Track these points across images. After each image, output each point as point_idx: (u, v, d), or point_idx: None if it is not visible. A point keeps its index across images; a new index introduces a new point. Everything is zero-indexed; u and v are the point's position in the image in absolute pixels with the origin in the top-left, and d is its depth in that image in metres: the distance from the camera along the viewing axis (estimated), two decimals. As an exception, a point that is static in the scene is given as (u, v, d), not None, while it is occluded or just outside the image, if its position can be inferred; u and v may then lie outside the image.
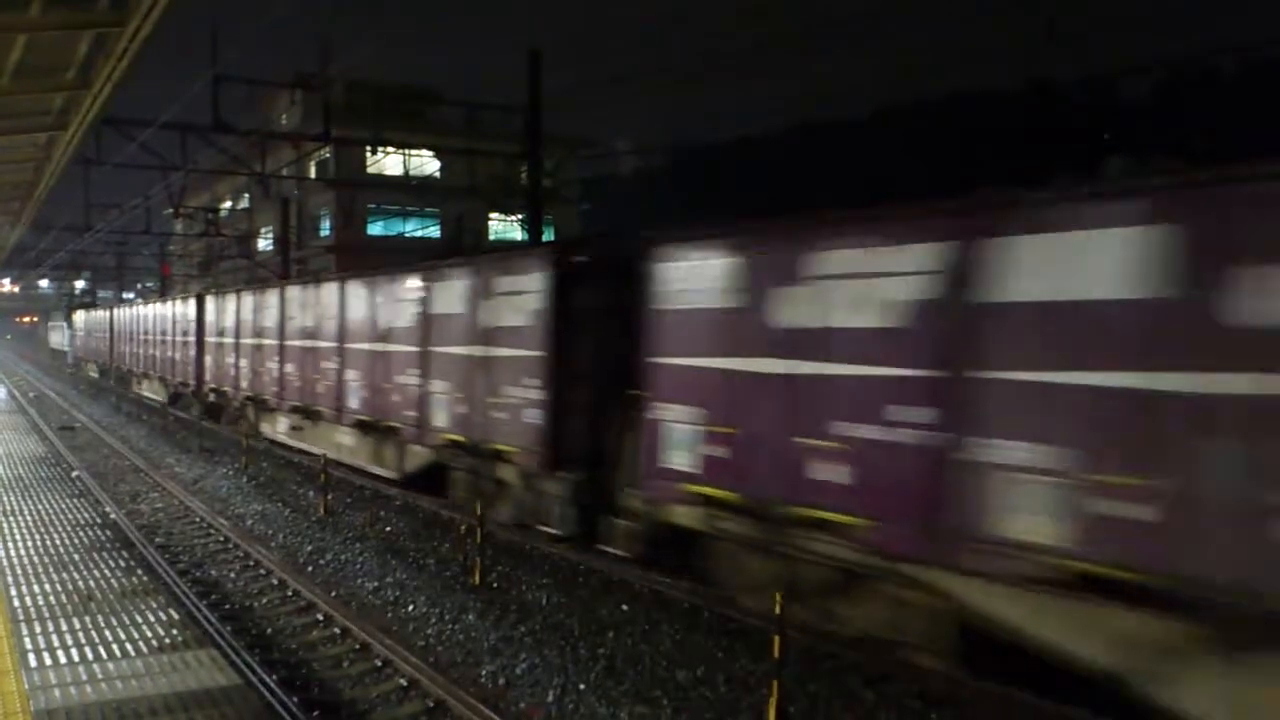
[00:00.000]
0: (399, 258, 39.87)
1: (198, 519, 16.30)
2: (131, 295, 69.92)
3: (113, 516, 15.86)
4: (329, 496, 16.69)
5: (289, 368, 22.10)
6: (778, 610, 8.02)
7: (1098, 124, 58.51)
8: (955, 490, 7.58)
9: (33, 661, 7.18)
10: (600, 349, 12.28)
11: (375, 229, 45.94)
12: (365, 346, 18.04)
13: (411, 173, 41.73)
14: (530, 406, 12.94)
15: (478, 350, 14.21)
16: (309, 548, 14.18)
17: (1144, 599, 6.43)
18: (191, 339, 30.71)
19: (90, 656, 7.32)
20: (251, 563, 13.40)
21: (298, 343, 21.64)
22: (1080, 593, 6.79)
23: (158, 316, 36.62)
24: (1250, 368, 5.89)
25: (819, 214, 9.18)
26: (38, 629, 7.91)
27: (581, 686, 8.75)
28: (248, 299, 25.80)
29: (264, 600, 11.77)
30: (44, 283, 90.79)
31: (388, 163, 42.63)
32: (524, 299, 13.20)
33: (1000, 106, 67.88)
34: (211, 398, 29.22)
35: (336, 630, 10.46)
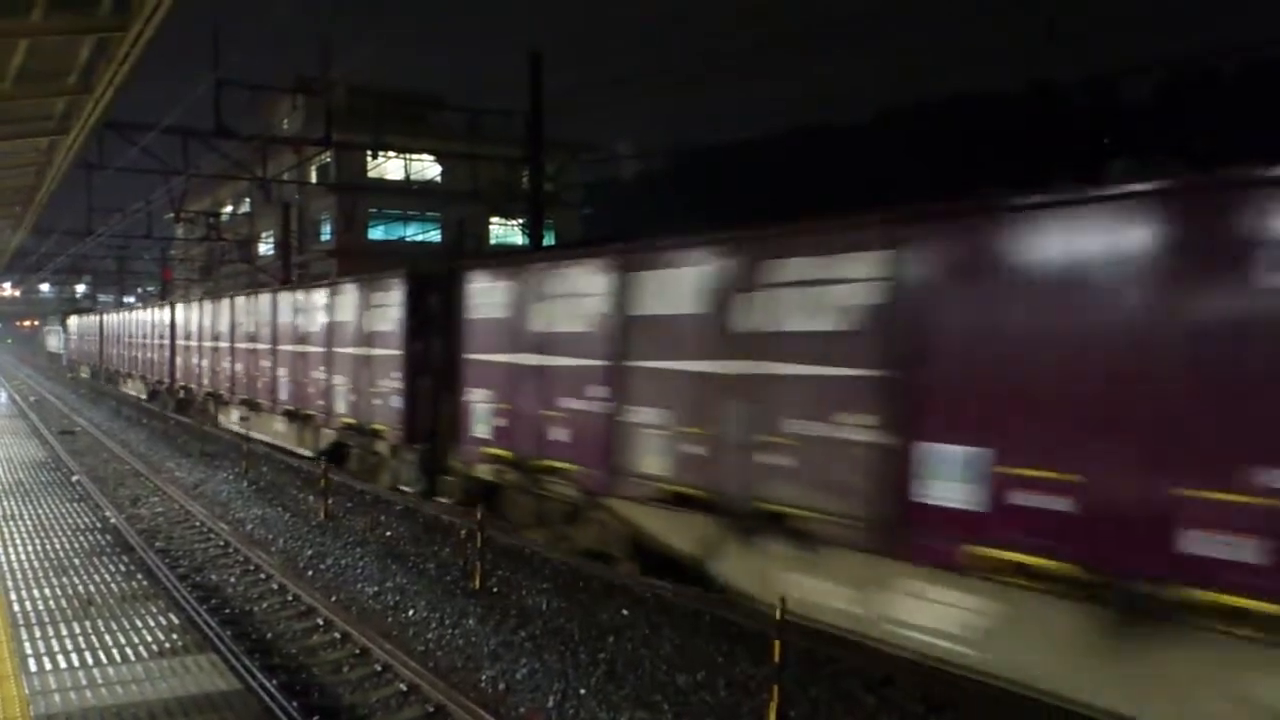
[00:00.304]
0: (400, 262, 39.93)
1: (198, 523, 16.29)
2: (132, 299, 69.96)
3: (113, 521, 15.85)
4: (329, 501, 16.69)
5: (238, 367, 25.45)
6: (779, 616, 8.02)
7: (1099, 125, 58.54)
8: (619, 442, 11.07)
9: (33, 666, 7.17)
10: (439, 348, 15.56)
11: (376, 233, 45.96)
12: (290, 348, 21.48)
13: (413, 177, 41.75)
14: (394, 394, 16.51)
15: (362, 350, 17.83)
16: (309, 552, 14.17)
17: (705, 507, 9.95)
18: (165, 342, 34.27)
19: (90, 661, 7.32)
20: (252, 567, 13.39)
21: (243, 345, 24.99)
22: (677, 506, 10.32)
23: (139, 322, 40.05)
24: (740, 357, 9.47)
25: (555, 251, 13.61)
26: (38, 634, 7.91)
27: (582, 691, 8.75)
28: (207, 307, 28.92)
29: (264, 605, 11.76)
30: (45, 287, 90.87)
31: (389, 167, 42.66)
32: (389, 310, 16.79)
33: (1001, 108, 67.94)
34: (181, 394, 32.53)
35: (337, 635, 10.46)
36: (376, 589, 12.16)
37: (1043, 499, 6.99)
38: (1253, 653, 6.00)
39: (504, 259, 14.15)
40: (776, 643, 7.96)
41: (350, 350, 18.30)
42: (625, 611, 11.05)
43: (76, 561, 10.52)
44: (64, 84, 10.87)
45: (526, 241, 23.75)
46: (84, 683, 6.89)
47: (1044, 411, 6.98)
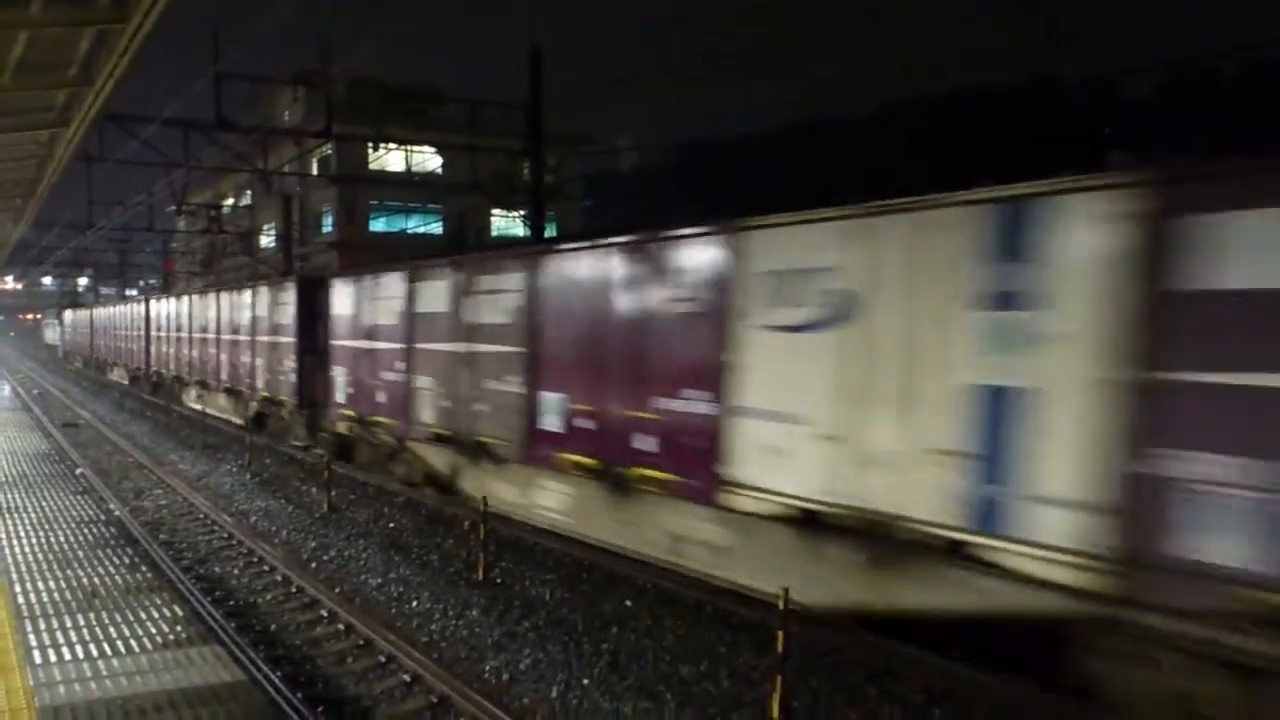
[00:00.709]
0: (400, 254, 39.92)
1: (201, 515, 16.32)
2: (134, 292, 69.93)
3: (116, 513, 15.87)
4: (332, 493, 16.71)
5: (194, 354, 30.84)
6: (782, 606, 8.03)
7: (1099, 123, 58.45)
8: (411, 402, 15.70)
9: (38, 658, 7.19)
10: (323, 335, 19.79)
11: (377, 225, 45.90)
12: (228, 337, 26.55)
13: (414, 169, 41.71)
14: (291, 372, 21.51)
15: (271, 338, 22.80)
16: (312, 544, 14.20)
17: (452, 442, 14.56)
18: (142, 333, 39.32)
19: (95, 653, 7.34)
20: (255, 559, 13.41)
21: (197, 336, 30.27)
22: (440, 443, 14.94)
23: (122, 316, 45.43)
24: (465, 340, 14.08)
25: (378, 266, 17.57)
26: (42, 626, 7.93)
27: (585, 682, 8.77)
28: (173, 303, 34.55)
29: (268, 597, 11.78)
30: (47, 280, 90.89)
31: (390, 159, 42.61)
32: (288, 307, 21.68)
33: (1001, 105, 67.82)
34: (154, 378, 37.88)
35: (340, 626, 10.48)
36: (380, 580, 12.18)
37: (584, 422, 11.71)
38: (660, 500, 10.70)
39: (350, 272, 19.05)
40: (780, 633, 7.97)
41: (264, 338, 23.44)
42: (628, 602, 11.07)
43: (81, 554, 10.54)
44: (64, 76, 10.85)
45: (528, 233, 23.71)
46: (89, 674, 6.91)
47: (582, 371, 11.73)
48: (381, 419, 16.90)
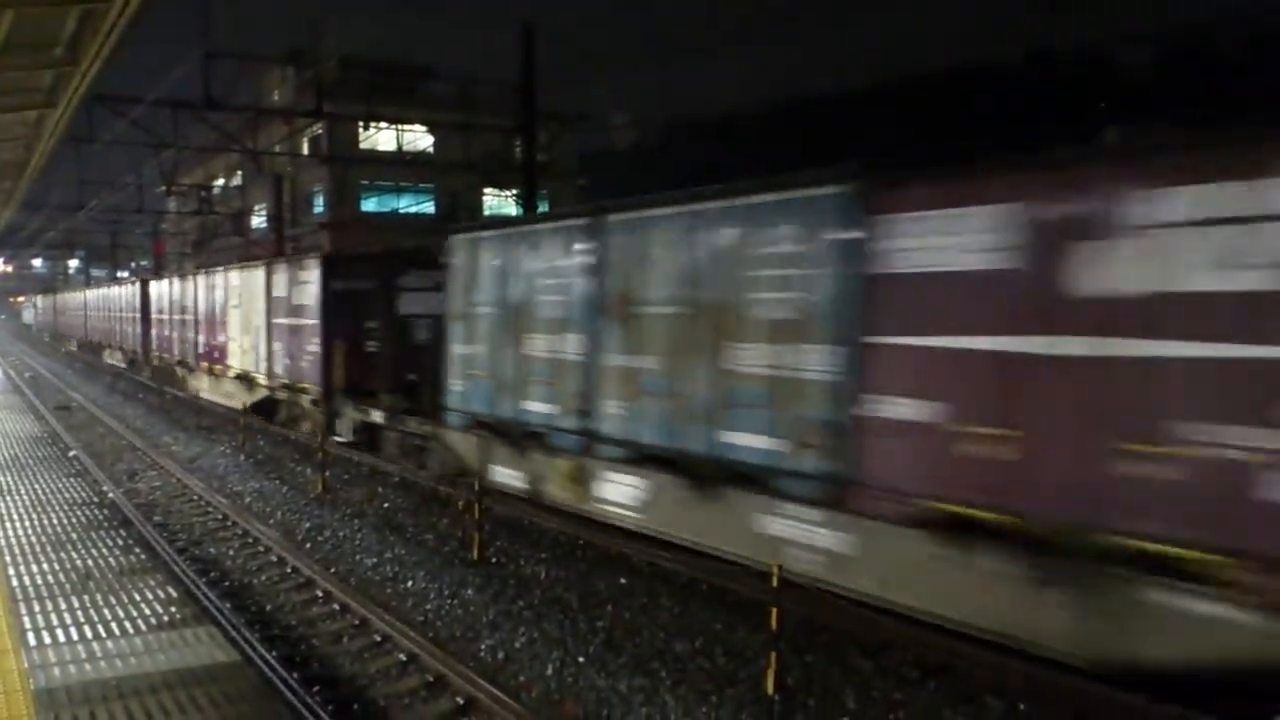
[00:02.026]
0: (392, 234, 39.76)
1: (196, 497, 16.31)
2: (125, 274, 69.78)
3: (110, 495, 15.86)
4: (327, 474, 16.70)
5: (170, 333, 33.39)
6: (775, 582, 8.05)
7: (1096, 93, 58.24)
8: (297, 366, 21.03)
9: (32, 640, 7.19)
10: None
11: (369, 205, 45.69)
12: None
13: (405, 148, 41.46)
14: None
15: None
16: (307, 524, 14.20)
17: (308, 392, 20.61)
18: (83, 313, 53.19)
19: (89, 635, 7.33)
20: (250, 540, 13.42)
21: (175, 318, 32.51)
22: (294, 393, 21.43)
23: (75, 299, 58.76)
24: (289, 315, 21.53)
25: (286, 258, 23.65)
26: (37, 608, 7.92)
27: (580, 659, 8.79)
28: (99, 290, 47.77)
29: (263, 577, 11.79)
30: (38, 262, 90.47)
31: (381, 138, 42.35)
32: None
33: (998, 77, 67.59)
34: (85, 343, 49.28)
35: (336, 606, 10.49)
36: (375, 560, 12.19)
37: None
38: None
39: (257, 260, 25.52)
40: (774, 610, 8.00)
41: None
42: (623, 580, 11.10)
43: (75, 536, 10.53)
44: (50, 56, 10.74)
45: (521, 211, 23.63)
46: (83, 656, 6.91)
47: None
48: (304, 384, 21.09)
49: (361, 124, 34.10)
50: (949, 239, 7.81)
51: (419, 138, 41.41)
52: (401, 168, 41.99)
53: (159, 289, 35.63)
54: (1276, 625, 6.18)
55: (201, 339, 28.85)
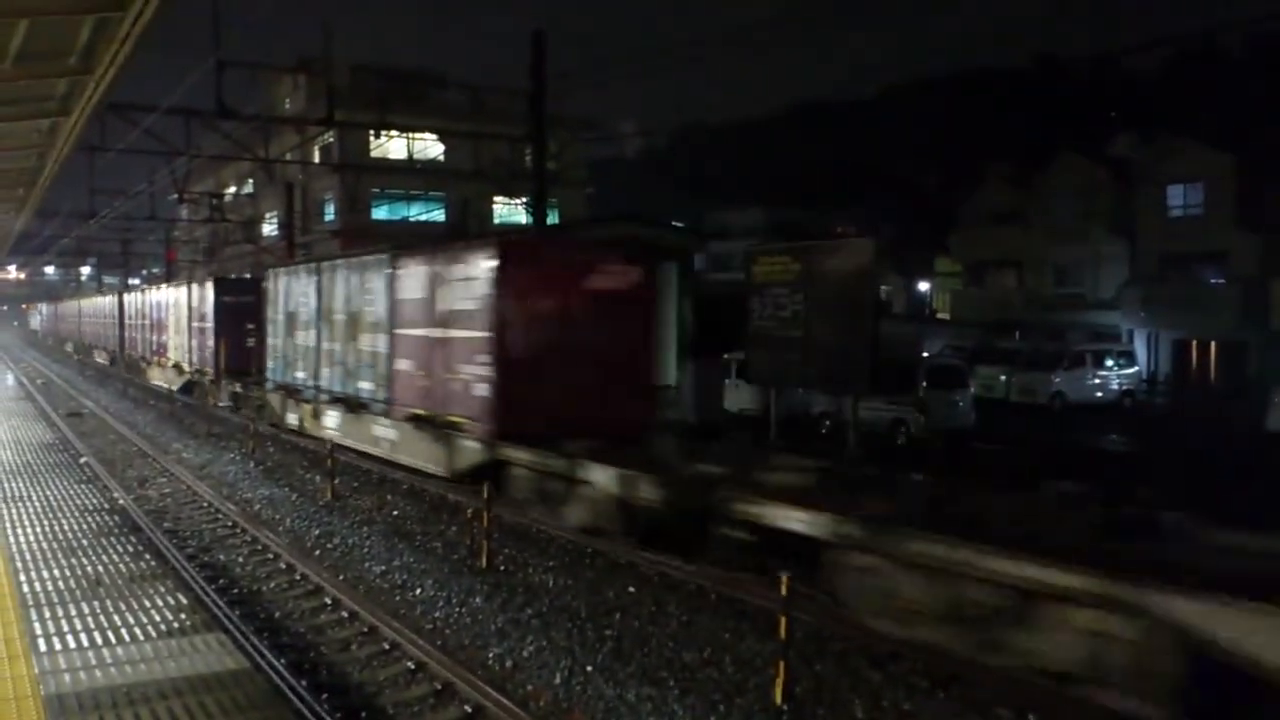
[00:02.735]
0: (403, 242, 39.81)
1: (205, 504, 16.35)
2: (137, 281, 70.27)
3: (121, 502, 15.91)
4: (336, 481, 16.72)
5: (135, 335, 42.12)
6: (784, 591, 8.03)
7: (1106, 101, 58.13)
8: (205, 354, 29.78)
9: (42, 646, 7.20)
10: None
11: (380, 213, 45.81)
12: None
13: (416, 156, 41.60)
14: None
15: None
16: (316, 532, 14.22)
17: (207, 374, 30.36)
18: (78, 318, 60.17)
19: (99, 641, 7.34)
20: (259, 547, 13.44)
21: (137, 319, 41.03)
22: (202, 375, 30.78)
23: (71, 306, 65.86)
24: (198, 321, 30.86)
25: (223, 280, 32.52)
26: (47, 614, 7.94)
27: (589, 668, 8.78)
28: (102, 298, 54.16)
29: (272, 584, 11.81)
30: (50, 269, 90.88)
31: (392, 147, 42.52)
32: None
33: (1008, 84, 67.50)
34: (104, 356, 50.76)
35: (345, 614, 10.50)
36: (384, 568, 12.20)
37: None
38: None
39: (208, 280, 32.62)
40: (783, 619, 7.98)
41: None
42: (631, 589, 11.08)
43: (85, 542, 10.55)
44: (65, 65, 10.78)
45: (531, 219, 23.66)
46: (93, 662, 6.91)
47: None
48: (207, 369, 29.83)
49: (372, 132, 34.25)
50: (413, 282, 16.65)
51: (430, 146, 41.55)
52: (412, 176, 42.13)
53: (130, 299, 43.92)
54: (485, 446, 14.36)
55: (153, 339, 37.96)
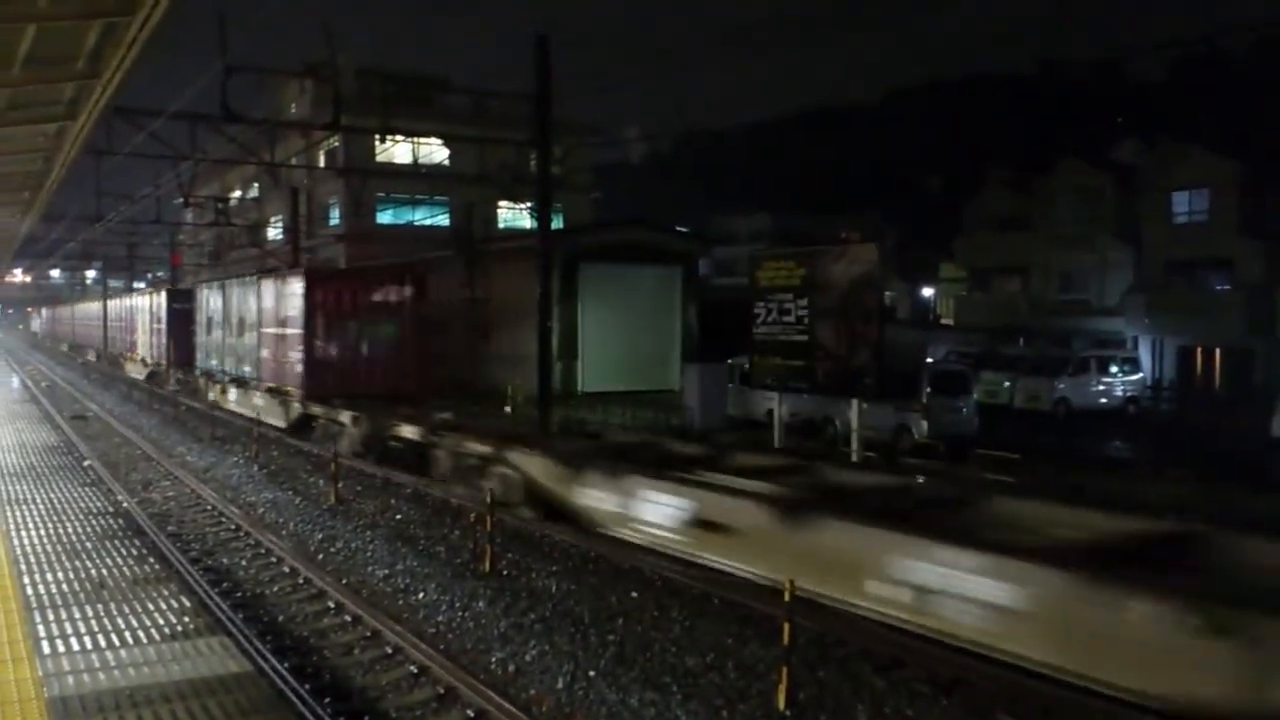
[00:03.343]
0: (407, 246, 39.87)
1: (209, 507, 16.37)
2: (141, 285, 70.75)
3: (124, 505, 15.93)
4: (339, 485, 16.74)
5: (116, 335, 49.81)
6: (788, 597, 8.03)
7: (1110, 106, 58.09)
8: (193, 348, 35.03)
9: (46, 649, 7.22)
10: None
11: (384, 217, 45.83)
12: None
13: (421, 161, 41.63)
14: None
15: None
16: (320, 536, 14.24)
17: (163, 366, 39.27)
18: (71, 321, 67.75)
19: (103, 644, 7.36)
20: (262, 551, 13.46)
21: (116, 321, 49.53)
22: (159, 366, 39.51)
23: (65, 311, 75.80)
24: (155, 323, 39.19)
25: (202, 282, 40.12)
26: (50, 617, 7.96)
27: (591, 673, 8.78)
28: (95, 304, 58.34)
29: (275, 588, 11.82)
30: (55, 273, 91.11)
31: (397, 151, 42.54)
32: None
33: (1013, 89, 67.51)
34: (102, 352, 54.68)
35: (348, 618, 10.51)
36: (387, 572, 12.21)
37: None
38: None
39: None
40: (786, 625, 7.97)
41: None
42: (634, 594, 11.08)
43: (89, 545, 10.57)
44: (72, 69, 10.83)
45: (536, 224, 23.65)
46: (96, 665, 6.93)
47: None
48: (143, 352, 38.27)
49: (377, 137, 34.27)
50: (268, 295, 24.33)
51: (435, 150, 41.58)
52: (417, 180, 42.14)
53: (112, 305, 51.94)
54: (301, 405, 22.64)
55: (127, 338, 45.93)
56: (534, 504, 13.89)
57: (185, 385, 35.17)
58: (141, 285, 70.17)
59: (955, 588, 7.99)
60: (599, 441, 15.70)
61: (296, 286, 22.94)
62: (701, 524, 10.57)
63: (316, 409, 22.06)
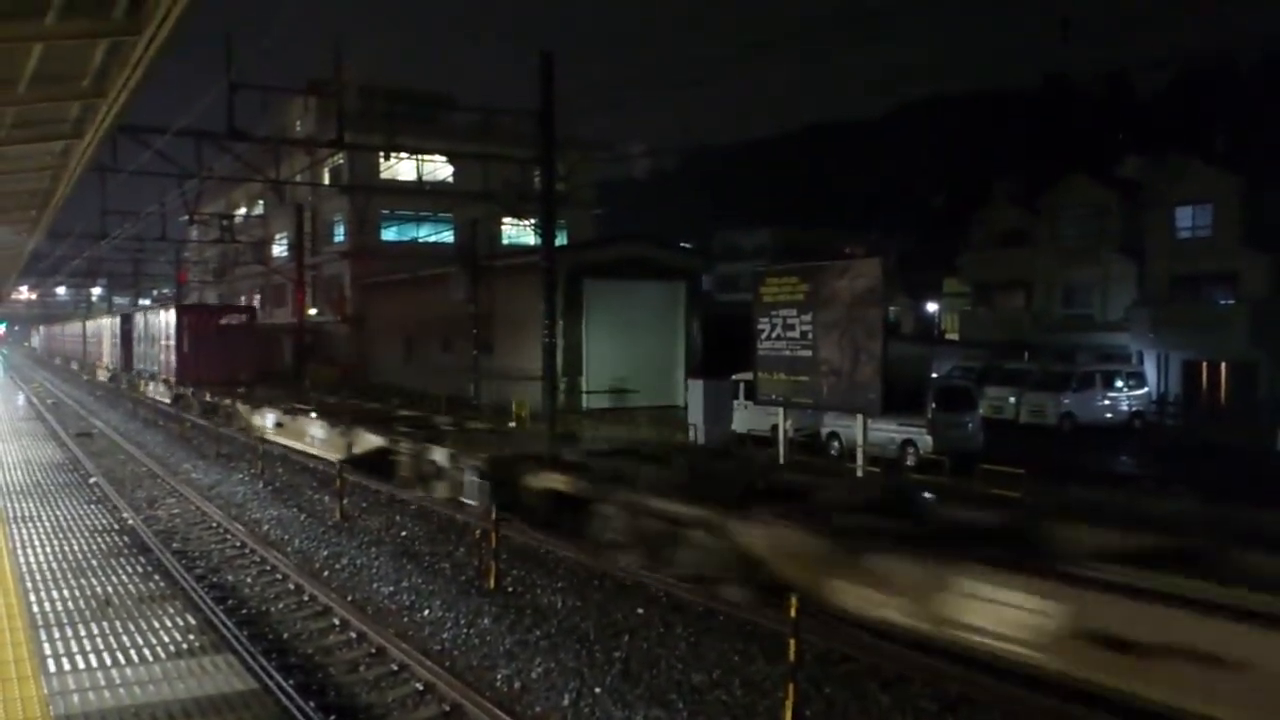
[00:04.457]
0: (412, 263, 39.89)
1: (214, 524, 16.36)
2: (147, 301, 71.48)
3: (130, 522, 15.93)
4: (345, 501, 16.73)
5: (90, 348, 62.36)
6: (793, 613, 8.00)
7: (1115, 120, 58.16)
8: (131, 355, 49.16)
9: (52, 667, 7.21)
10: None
11: (389, 234, 45.98)
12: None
13: (425, 178, 41.81)
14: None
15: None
16: (325, 552, 14.22)
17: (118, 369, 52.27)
18: (62, 338, 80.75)
19: (109, 662, 7.35)
20: (268, 567, 13.44)
21: (91, 339, 62.06)
22: (118, 371, 53.44)
23: (58, 329, 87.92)
24: (113, 339, 53.27)
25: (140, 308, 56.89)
26: (56, 634, 7.95)
27: (597, 690, 8.75)
28: (79, 323, 69.65)
29: (280, 605, 11.80)
30: (61, 290, 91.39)
31: (401, 168, 42.72)
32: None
33: (1017, 104, 67.64)
34: (84, 364, 64.50)
35: (353, 635, 10.49)
36: (392, 589, 12.19)
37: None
38: None
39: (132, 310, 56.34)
40: (792, 641, 7.95)
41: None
42: (640, 610, 11.05)
43: (94, 562, 10.57)
44: (78, 88, 10.88)
45: (539, 241, 23.71)
46: (102, 683, 6.92)
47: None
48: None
49: (382, 154, 34.41)
50: (165, 318, 38.50)
51: (439, 167, 41.74)
52: (421, 197, 42.28)
53: (89, 325, 64.39)
54: (174, 389, 36.68)
55: (98, 351, 58.25)
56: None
57: (129, 384, 47.16)
58: (147, 302, 70.97)
59: None
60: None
61: (173, 316, 36.95)
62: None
63: (180, 390, 35.80)
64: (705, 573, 10.86)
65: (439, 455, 16.12)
